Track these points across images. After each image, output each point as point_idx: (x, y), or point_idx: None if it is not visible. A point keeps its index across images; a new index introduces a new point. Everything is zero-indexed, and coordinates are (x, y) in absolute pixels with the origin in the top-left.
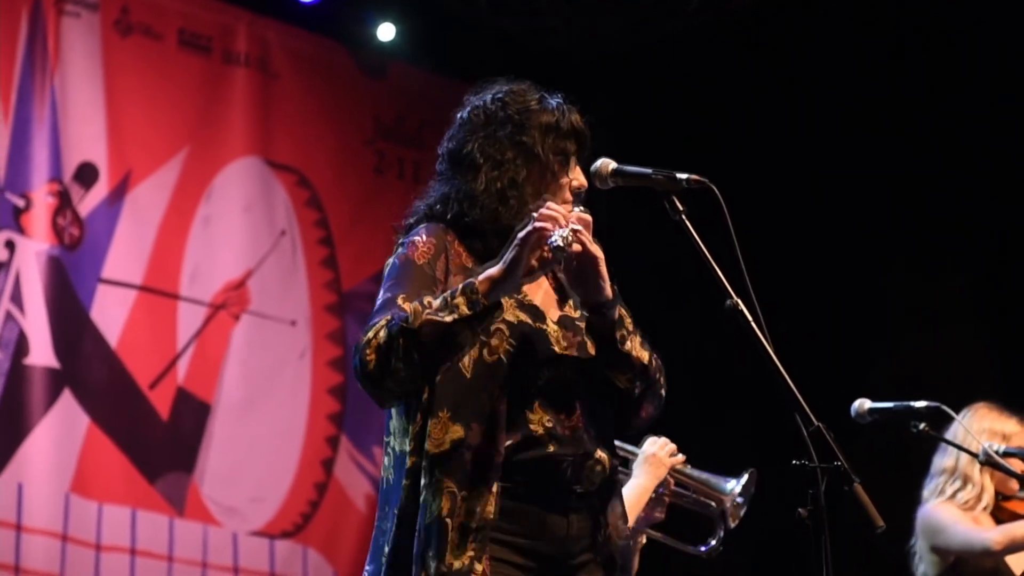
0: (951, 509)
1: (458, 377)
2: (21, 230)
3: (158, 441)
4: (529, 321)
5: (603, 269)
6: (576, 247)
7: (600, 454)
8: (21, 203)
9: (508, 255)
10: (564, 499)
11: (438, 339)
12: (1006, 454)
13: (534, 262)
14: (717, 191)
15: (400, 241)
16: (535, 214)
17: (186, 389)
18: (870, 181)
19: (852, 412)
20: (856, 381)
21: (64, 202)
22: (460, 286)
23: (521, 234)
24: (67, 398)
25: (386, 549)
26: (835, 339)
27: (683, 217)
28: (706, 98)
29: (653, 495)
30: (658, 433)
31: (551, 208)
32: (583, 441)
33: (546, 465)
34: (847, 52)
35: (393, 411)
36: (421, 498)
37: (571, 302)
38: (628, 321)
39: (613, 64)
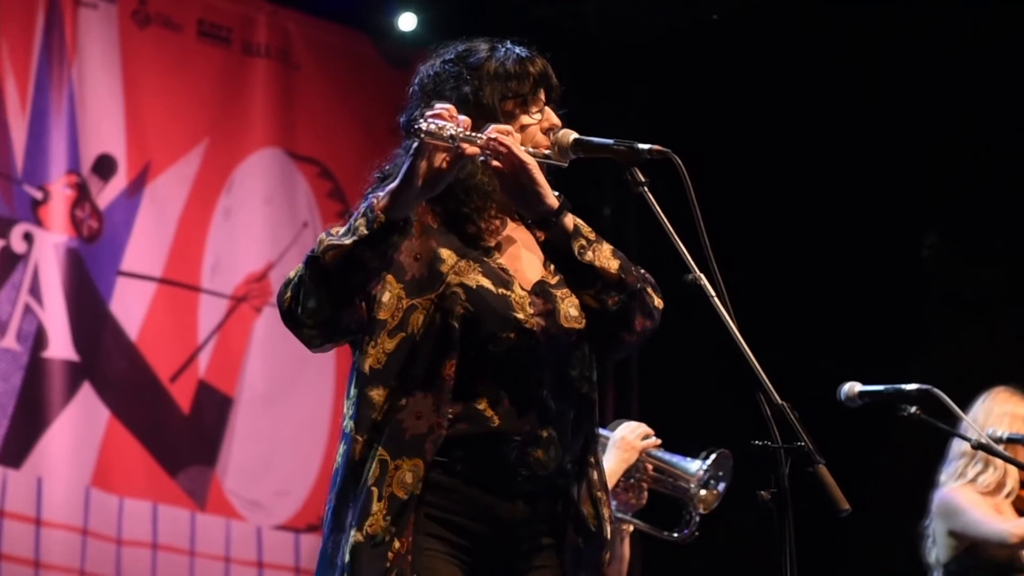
0: (970, 493)
1: (410, 343)
2: (39, 222)
3: (179, 435)
4: (490, 286)
5: (537, 175)
6: (470, 148)
7: (550, 434)
8: (39, 195)
9: (404, 165)
10: (508, 481)
11: (342, 265)
12: (1010, 440)
13: (439, 165)
14: (679, 162)
15: (364, 198)
16: (422, 120)
17: (208, 382)
18: (915, 171)
19: (842, 396)
20: (897, 372)
21: (82, 194)
22: (362, 207)
23: (415, 143)
24: (87, 391)
25: (327, 513)
26: (875, 330)
27: (645, 189)
28: (740, 83)
29: (629, 480)
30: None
31: (437, 107)
32: (535, 420)
33: (488, 442)
34: (882, 37)
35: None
36: (362, 465)
37: (553, 266)
38: (588, 231)
39: (647, 50)
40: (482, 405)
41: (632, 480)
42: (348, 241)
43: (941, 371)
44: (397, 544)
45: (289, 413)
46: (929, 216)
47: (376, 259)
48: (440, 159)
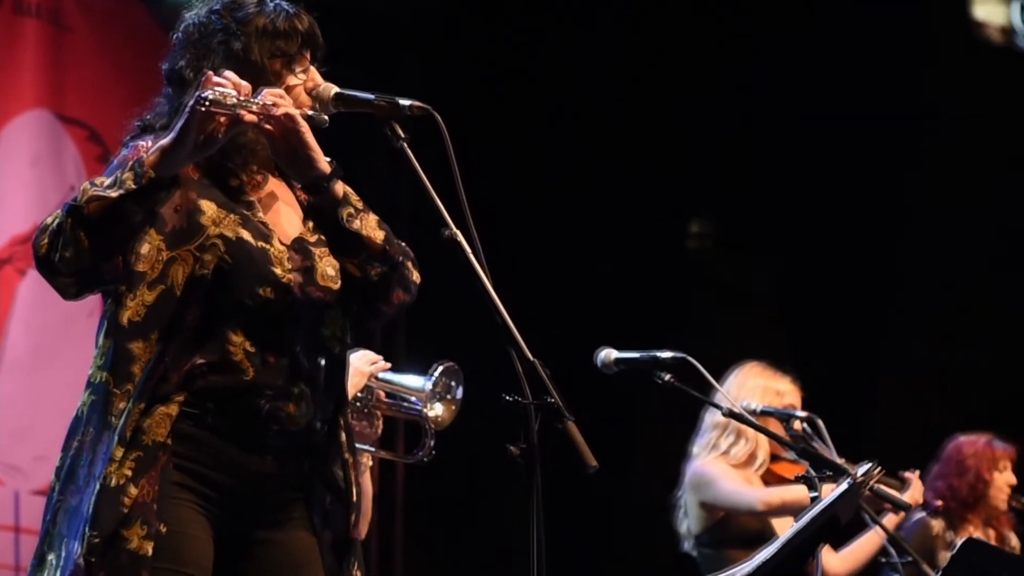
0: (722, 465)
1: (170, 295)
2: None
3: None
4: (251, 240)
5: (310, 140)
6: (248, 116)
7: (303, 390)
8: None
9: (178, 123)
10: (258, 435)
11: (105, 217)
12: (763, 413)
13: (210, 130)
14: (439, 119)
15: (123, 146)
16: (207, 89)
17: None
18: (685, 154)
19: (598, 363)
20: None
21: None
22: (131, 162)
23: (191, 102)
24: None
25: (65, 462)
26: (638, 313)
27: (404, 144)
28: (517, 58)
29: (363, 409)
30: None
31: (224, 74)
32: (289, 374)
33: (241, 394)
34: (657, 23)
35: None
36: (116, 417)
37: (311, 224)
38: (356, 200)
39: (422, 24)
40: (237, 357)
41: (365, 408)
42: (114, 194)
43: (702, 357)
44: (134, 490)
45: (52, 377)
46: (696, 206)
47: (140, 214)
48: (216, 124)
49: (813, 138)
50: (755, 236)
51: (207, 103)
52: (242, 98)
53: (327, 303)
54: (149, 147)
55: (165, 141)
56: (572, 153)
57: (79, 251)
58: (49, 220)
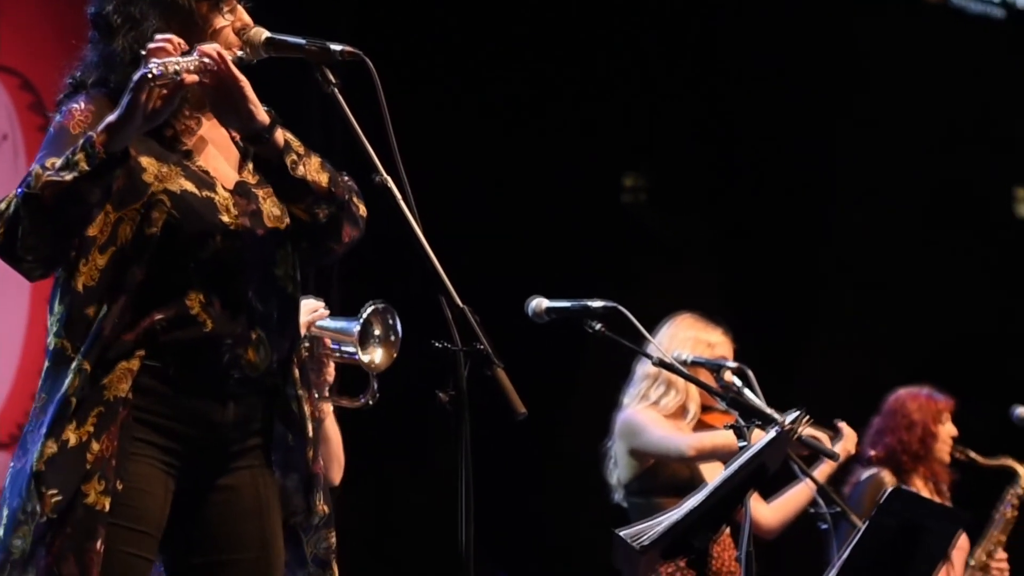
0: (652, 413)
1: (121, 255)
2: None
3: None
4: (195, 190)
5: (250, 93)
6: (190, 77)
7: (259, 335)
8: None
9: (125, 99)
10: (220, 384)
11: (62, 200)
12: (694, 363)
13: (156, 102)
14: (371, 64)
15: (58, 109)
16: (144, 52)
17: None
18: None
19: (529, 311)
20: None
21: None
22: (80, 141)
23: (136, 76)
24: None
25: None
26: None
27: (335, 90)
28: (451, 5)
29: (310, 356)
30: None
31: (158, 40)
32: (245, 321)
33: (200, 346)
34: None
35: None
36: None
37: (251, 166)
38: (298, 145)
39: None
40: (195, 310)
41: (312, 356)
42: (68, 177)
43: (635, 309)
44: (96, 446)
45: None
46: (630, 160)
47: (98, 193)
48: (159, 92)
49: (746, 92)
50: (688, 190)
51: (151, 77)
52: (181, 59)
53: (277, 243)
54: (82, 110)
55: (112, 118)
56: (506, 103)
57: (40, 237)
58: (2, 207)
